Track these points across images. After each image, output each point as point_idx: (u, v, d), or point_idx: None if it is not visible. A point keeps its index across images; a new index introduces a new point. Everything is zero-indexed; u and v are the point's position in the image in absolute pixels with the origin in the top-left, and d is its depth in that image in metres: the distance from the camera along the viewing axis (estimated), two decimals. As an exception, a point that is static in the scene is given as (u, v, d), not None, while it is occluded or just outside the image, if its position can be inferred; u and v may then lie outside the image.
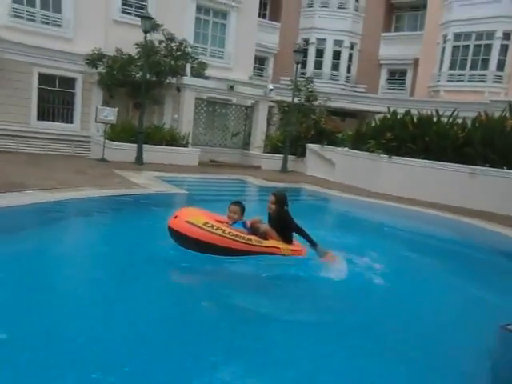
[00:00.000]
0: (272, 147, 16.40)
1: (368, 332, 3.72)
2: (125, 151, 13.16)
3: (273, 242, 5.13)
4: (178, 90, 15.47)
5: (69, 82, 16.59)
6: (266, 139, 16.70)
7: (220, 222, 5.02)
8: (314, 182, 13.78)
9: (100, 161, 12.89)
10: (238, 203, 5.25)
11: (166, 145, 14.22)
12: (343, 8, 23.33)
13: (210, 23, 19.31)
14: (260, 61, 23.28)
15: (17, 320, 3.28)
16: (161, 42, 14.99)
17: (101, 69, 14.69)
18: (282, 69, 22.57)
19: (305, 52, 23.32)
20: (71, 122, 16.82)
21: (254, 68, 22.00)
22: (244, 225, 5.21)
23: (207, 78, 15.83)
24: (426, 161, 12.18)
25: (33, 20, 15.90)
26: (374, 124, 13.61)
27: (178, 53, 15.18)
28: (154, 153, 13.62)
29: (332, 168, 14.70)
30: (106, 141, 13.21)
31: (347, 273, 4.84)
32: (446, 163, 11.84)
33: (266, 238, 5.13)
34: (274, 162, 15.83)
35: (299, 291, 4.53)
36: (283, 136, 16.19)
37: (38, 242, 5.18)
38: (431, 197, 11.69)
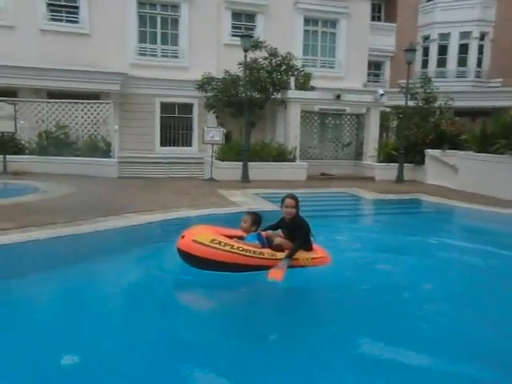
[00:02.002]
0: (386, 156, 15.23)
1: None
2: (232, 170, 13.42)
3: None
4: (285, 104, 15.39)
5: (186, 108, 17.82)
6: (380, 148, 15.59)
7: (232, 236, 4.79)
8: (433, 191, 12.31)
9: (209, 180, 13.36)
10: (249, 213, 5.09)
11: (274, 160, 14.16)
12: (470, -5, 20.95)
13: (318, 34, 19.02)
14: (376, 66, 22.11)
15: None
16: (265, 58, 15.12)
17: (209, 92, 15.32)
18: (399, 72, 21.03)
19: (425, 50, 21.59)
20: (190, 146, 17.99)
21: (369, 74, 21.00)
22: (259, 237, 4.87)
23: (313, 89, 15.46)
24: None
25: (154, 55, 17.51)
26: (503, 121, 11.70)
27: (283, 67, 15.12)
28: (260, 169, 13.65)
29: (455, 175, 13.02)
30: (215, 160, 13.67)
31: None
32: None
33: (282, 250, 4.75)
34: (388, 171, 14.65)
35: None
36: (398, 143, 14.94)
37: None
38: None
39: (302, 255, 4.80)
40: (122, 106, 16.61)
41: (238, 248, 4.55)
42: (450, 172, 13.29)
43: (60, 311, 4.11)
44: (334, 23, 19.08)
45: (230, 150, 14.05)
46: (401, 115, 15.53)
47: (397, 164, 14.47)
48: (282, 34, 17.65)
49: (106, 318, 3.86)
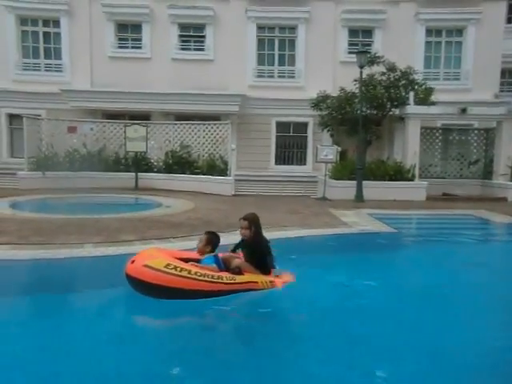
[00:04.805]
0: (522, 174, 13.58)
1: None
2: (345, 189, 13.13)
3: (248, 277, 4.48)
4: (403, 120, 14.66)
5: (301, 127, 18.00)
6: (514, 165, 13.96)
7: (187, 259, 4.49)
8: None
9: (321, 200, 13.22)
10: (206, 232, 4.79)
11: (390, 179, 13.53)
12: None
13: (442, 44, 17.87)
14: (511, 74, 19.95)
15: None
16: (383, 73, 14.63)
17: (324, 110, 15.24)
18: (542, 79, 18.76)
19: None
20: (304, 164, 18.06)
21: (503, 83, 19.02)
22: (216, 259, 4.54)
23: (434, 103, 14.47)
24: None
25: (272, 76, 18.06)
26: None
27: (402, 82, 14.46)
28: (375, 189, 13.15)
29: None
30: (328, 179, 13.51)
31: None
32: None
33: (241, 274, 4.46)
34: (525, 192, 13.03)
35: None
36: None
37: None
38: None
39: (261, 279, 4.54)
40: (240, 125, 17.39)
41: (195, 273, 4.20)
42: None
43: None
44: (460, 31, 17.76)
45: (344, 169, 13.79)
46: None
47: (536, 183, 12.81)
48: (402, 47, 16.98)
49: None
